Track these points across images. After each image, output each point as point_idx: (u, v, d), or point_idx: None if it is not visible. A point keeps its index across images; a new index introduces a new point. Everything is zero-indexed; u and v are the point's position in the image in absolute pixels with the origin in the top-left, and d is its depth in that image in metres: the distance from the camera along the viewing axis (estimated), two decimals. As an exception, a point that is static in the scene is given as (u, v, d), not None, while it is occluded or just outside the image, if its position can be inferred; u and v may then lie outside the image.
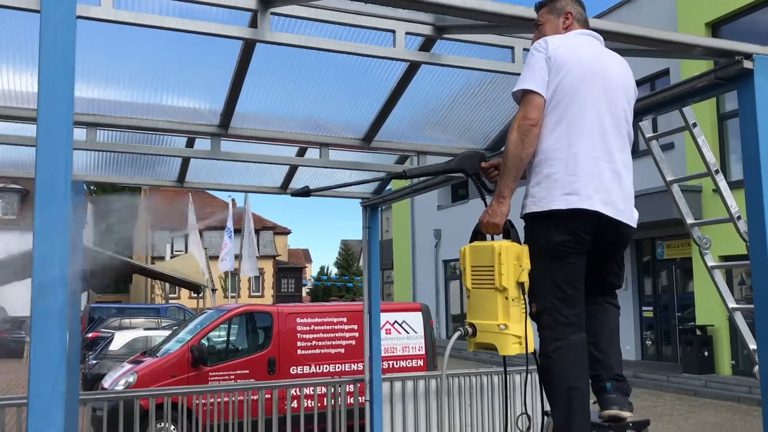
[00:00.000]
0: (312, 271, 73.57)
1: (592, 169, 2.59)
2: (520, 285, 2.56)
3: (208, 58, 4.10)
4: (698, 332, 15.28)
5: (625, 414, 2.61)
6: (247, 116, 4.52)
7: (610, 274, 2.84)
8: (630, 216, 2.71)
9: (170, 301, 35.83)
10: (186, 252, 42.82)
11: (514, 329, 2.53)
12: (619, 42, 2.96)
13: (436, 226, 26.98)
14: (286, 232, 56.95)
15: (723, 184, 3.48)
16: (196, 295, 33.81)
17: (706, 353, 14.96)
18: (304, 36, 3.30)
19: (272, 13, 3.14)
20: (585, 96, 2.65)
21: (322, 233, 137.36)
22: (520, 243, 2.66)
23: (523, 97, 2.69)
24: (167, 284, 35.74)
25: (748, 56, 2.86)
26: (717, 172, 3.49)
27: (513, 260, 2.56)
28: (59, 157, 1.96)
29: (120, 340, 13.54)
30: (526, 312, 2.57)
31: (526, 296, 2.58)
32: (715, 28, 15.28)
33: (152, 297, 42.59)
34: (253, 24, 3.13)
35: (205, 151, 4.67)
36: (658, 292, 17.77)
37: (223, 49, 3.83)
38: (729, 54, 2.90)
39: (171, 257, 41.68)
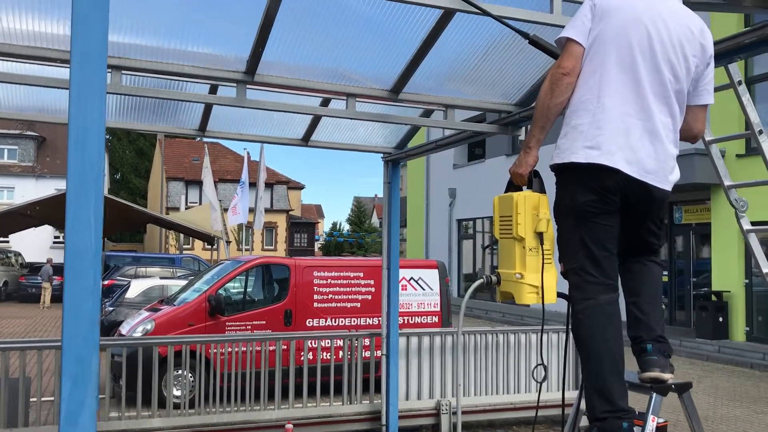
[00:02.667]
0: (324, 226, 73.83)
1: (619, 124, 2.47)
2: (539, 235, 2.58)
3: (234, 3, 3.99)
4: (714, 298, 15.23)
5: (667, 376, 2.56)
6: (274, 65, 4.42)
7: (649, 234, 2.73)
8: (663, 178, 2.55)
9: (184, 252, 36.09)
10: (200, 203, 43.08)
11: (529, 278, 2.56)
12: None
13: (451, 185, 26.84)
14: (299, 187, 56.97)
15: (766, 145, 3.37)
16: (210, 246, 34.06)
17: (720, 319, 14.93)
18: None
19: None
20: (625, 46, 2.51)
21: (335, 189, 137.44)
22: (543, 192, 2.62)
23: (564, 45, 2.61)
24: (182, 235, 35.96)
25: (806, 10, 2.74)
26: (761, 132, 3.38)
27: (530, 210, 2.58)
28: (94, 104, 1.90)
29: (136, 288, 13.65)
30: (542, 261, 2.57)
31: (543, 246, 2.58)
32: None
33: (166, 247, 42.92)
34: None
35: (231, 98, 4.58)
36: (674, 257, 17.66)
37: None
38: (785, 7, 2.77)
39: (186, 208, 41.88)
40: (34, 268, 26.91)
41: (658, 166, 2.52)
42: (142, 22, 4.07)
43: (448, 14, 3.69)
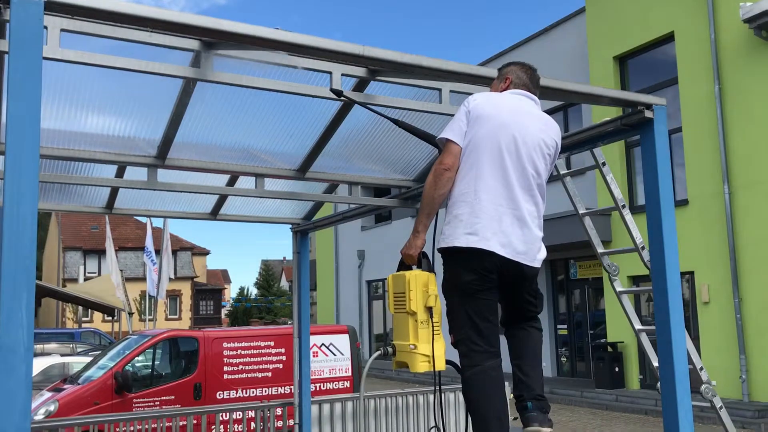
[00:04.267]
0: (231, 292, 72.30)
1: (493, 213, 2.89)
2: (429, 309, 2.91)
3: (147, 92, 4.19)
4: (609, 349, 16.06)
5: (545, 429, 2.91)
6: (185, 146, 4.61)
7: (525, 303, 3.15)
8: (532, 257, 2.98)
9: (84, 325, 34.50)
10: (99, 274, 41.49)
11: (422, 349, 2.88)
12: (540, 93, 3.26)
13: (360, 247, 27.23)
14: (204, 252, 55.89)
15: (629, 218, 3.86)
16: (110, 318, 32.75)
17: (616, 369, 15.73)
18: (245, 76, 3.45)
19: (215, 54, 3.29)
20: (495, 148, 2.96)
21: (242, 253, 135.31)
22: (431, 271, 2.98)
23: (444, 144, 3.04)
24: (80, 307, 34.45)
25: (649, 106, 3.25)
26: (624, 206, 3.87)
27: (421, 287, 2.93)
28: (29, 193, 2.07)
29: (35, 366, 13.04)
30: (432, 333, 2.90)
31: (433, 319, 2.92)
32: (623, 61, 16.28)
33: (63, 321, 40.88)
34: (196, 63, 3.26)
35: (142, 181, 4.73)
36: (572, 310, 18.58)
37: (165, 83, 3.95)
38: (633, 104, 3.28)
39: (84, 279, 40.20)
40: None
41: (527, 247, 2.94)
42: (53, 108, 4.19)
43: (348, 105, 4.04)
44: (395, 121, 3.69)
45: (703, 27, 14.14)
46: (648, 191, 3.20)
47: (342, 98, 3.50)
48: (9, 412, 1.95)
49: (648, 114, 3.22)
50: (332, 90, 3.55)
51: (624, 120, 3.31)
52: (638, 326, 4.03)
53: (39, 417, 8.11)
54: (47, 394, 9.00)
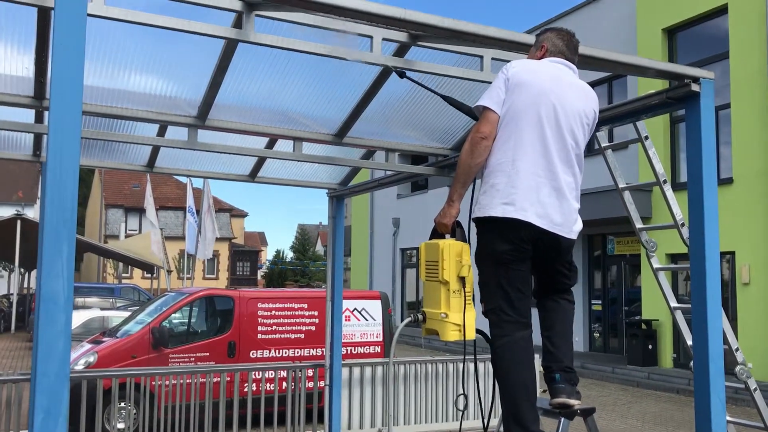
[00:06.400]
0: (268, 254, 73.30)
1: (530, 183, 2.85)
2: (461, 279, 2.90)
3: (189, 53, 4.22)
4: (643, 326, 15.92)
5: (573, 402, 2.90)
6: (225, 108, 4.65)
7: (559, 275, 3.13)
8: (568, 229, 2.95)
9: (123, 281, 35.36)
10: (140, 231, 42.38)
11: (453, 318, 2.89)
12: (582, 63, 3.20)
13: (395, 215, 27.27)
14: (242, 214, 56.62)
15: (670, 194, 3.78)
16: (149, 275, 33.48)
17: (650, 346, 15.60)
18: (286, 38, 3.45)
19: (257, 15, 3.29)
20: (535, 117, 2.91)
21: (279, 217, 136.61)
22: (465, 242, 2.96)
23: (481, 112, 2.98)
24: (121, 264, 35.28)
25: (696, 80, 3.15)
26: (665, 182, 3.78)
27: (455, 257, 2.91)
28: (71, 147, 2.11)
29: (76, 319, 13.46)
30: (464, 303, 2.89)
31: (465, 289, 2.91)
32: (671, 34, 15.81)
33: (104, 276, 41.96)
34: (238, 24, 3.27)
35: (182, 141, 4.79)
36: (607, 286, 18.40)
37: (206, 44, 3.97)
38: (679, 77, 3.19)
39: (125, 236, 41.08)
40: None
41: (564, 218, 2.90)
42: (98, 65, 4.26)
43: (388, 70, 4.02)
44: (447, 99, 3.65)
45: (759, 0, 13.62)
46: (691, 167, 3.13)
47: (405, 78, 3.49)
48: (50, 358, 2.02)
49: (695, 87, 3.13)
50: (395, 70, 3.54)
51: (669, 93, 3.22)
52: (674, 304, 3.97)
53: (79, 367, 8.38)
54: (87, 346, 9.29)
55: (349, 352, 9.45)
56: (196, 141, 4.73)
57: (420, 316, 3.01)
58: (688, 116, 3.20)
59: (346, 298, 8.50)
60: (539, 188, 2.85)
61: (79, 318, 13.54)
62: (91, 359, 8.58)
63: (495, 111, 2.93)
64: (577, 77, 3.08)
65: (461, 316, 2.87)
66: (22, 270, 31.99)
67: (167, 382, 7.20)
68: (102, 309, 15.49)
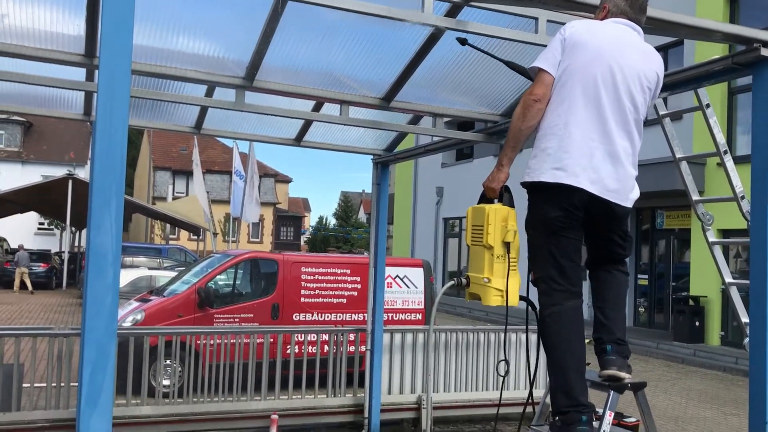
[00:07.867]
0: (311, 220, 73.95)
1: (584, 148, 2.73)
2: (506, 244, 2.85)
3: (237, 13, 4.18)
4: (691, 302, 15.59)
5: (623, 375, 2.82)
6: (272, 70, 4.61)
7: (613, 245, 3.00)
8: (624, 196, 2.82)
9: (171, 242, 36.14)
10: (187, 194, 43.12)
11: (496, 283, 2.85)
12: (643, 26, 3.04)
13: (439, 184, 27.10)
14: (287, 180, 57.06)
15: (730, 165, 3.61)
16: (195, 237, 34.13)
17: (696, 323, 15.29)
18: (335, -4, 3.37)
19: (305, -27, 3.22)
20: (590, 79, 2.77)
21: (323, 183, 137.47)
22: (512, 206, 2.90)
23: (536, 73, 2.87)
24: (168, 225, 36.02)
25: (766, 44, 2.98)
26: (726, 152, 3.62)
27: (500, 221, 2.86)
28: (120, 104, 2.10)
29: (124, 277, 13.79)
30: (508, 268, 2.83)
31: (510, 254, 2.85)
32: (733, 1, 15.16)
33: (152, 237, 42.91)
34: (287, -18, 3.21)
35: (230, 102, 4.77)
36: (655, 260, 18.03)
37: (255, 4, 3.93)
38: (747, 41, 3.01)
39: (173, 198, 41.87)
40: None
41: (619, 185, 2.78)
42: (145, 23, 4.25)
43: (439, 31, 3.91)
44: (509, 63, 3.55)
45: (830, -36, 12.93)
46: (756, 135, 2.97)
47: (467, 45, 3.40)
48: (98, 314, 2.04)
49: (764, 52, 2.96)
50: (457, 39, 3.46)
51: (736, 58, 3.05)
52: (729, 279, 3.83)
53: (126, 324, 8.60)
54: (135, 304, 9.52)
55: (390, 318, 9.47)
56: (244, 102, 4.71)
57: (464, 280, 2.97)
58: (756, 83, 3.03)
59: (388, 265, 8.49)
60: (592, 153, 2.73)
61: (127, 277, 13.88)
62: (139, 317, 8.78)
63: (550, 72, 2.81)
64: (641, 39, 2.93)
65: (504, 282, 2.82)
66: (73, 229, 32.91)
67: (212, 342, 7.32)
68: (149, 269, 15.86)
